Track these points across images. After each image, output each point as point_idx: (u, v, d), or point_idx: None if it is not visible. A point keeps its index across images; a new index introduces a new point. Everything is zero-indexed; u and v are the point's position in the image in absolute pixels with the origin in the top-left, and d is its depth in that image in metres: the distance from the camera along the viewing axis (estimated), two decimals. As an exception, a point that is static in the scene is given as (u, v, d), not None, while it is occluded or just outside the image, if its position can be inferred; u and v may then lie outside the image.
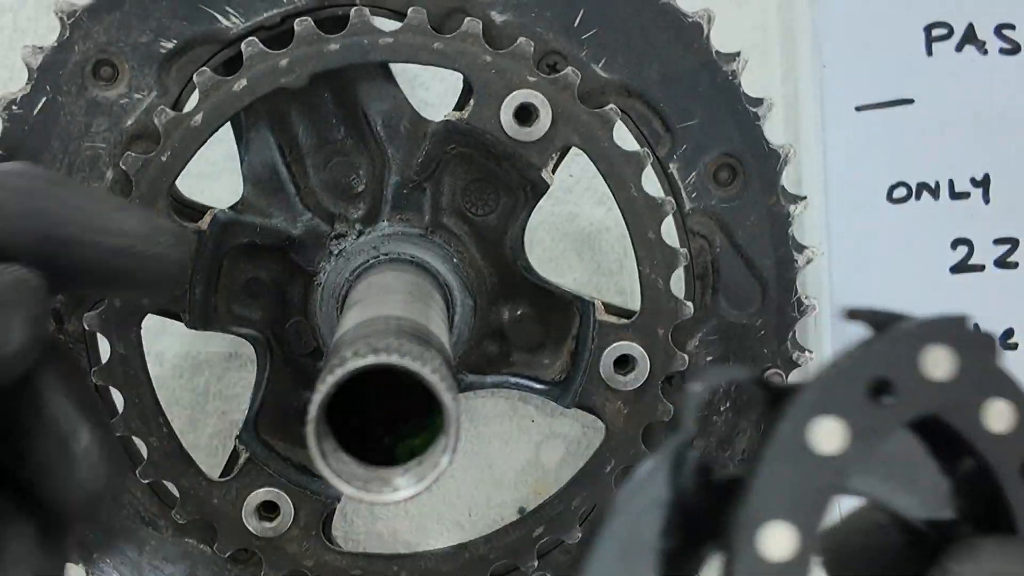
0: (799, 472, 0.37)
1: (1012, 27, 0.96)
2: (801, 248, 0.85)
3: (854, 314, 0.40)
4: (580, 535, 0.87)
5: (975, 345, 0.39)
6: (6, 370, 0.49)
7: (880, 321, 0.39)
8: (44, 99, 0.80)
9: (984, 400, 0.40)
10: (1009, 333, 0.96)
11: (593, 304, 0.84)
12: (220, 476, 0.86)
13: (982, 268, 0.97)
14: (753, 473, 0.37)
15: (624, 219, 0.82)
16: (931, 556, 0.39)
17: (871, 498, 0.43)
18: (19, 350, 0.49)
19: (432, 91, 1.00)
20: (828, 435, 0.38)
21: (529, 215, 0.84)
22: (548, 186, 0.81)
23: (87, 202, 0.57)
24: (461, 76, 0.80)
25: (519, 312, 0.87)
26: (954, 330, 0.40)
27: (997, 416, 0.40)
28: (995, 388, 0.40)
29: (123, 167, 0.80)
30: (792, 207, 0.85)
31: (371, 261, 0.83)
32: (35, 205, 0.55)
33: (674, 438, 0.40)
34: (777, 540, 0.37)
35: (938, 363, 0.39)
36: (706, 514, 0.40)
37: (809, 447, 0.37)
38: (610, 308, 0.86)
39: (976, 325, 0.40)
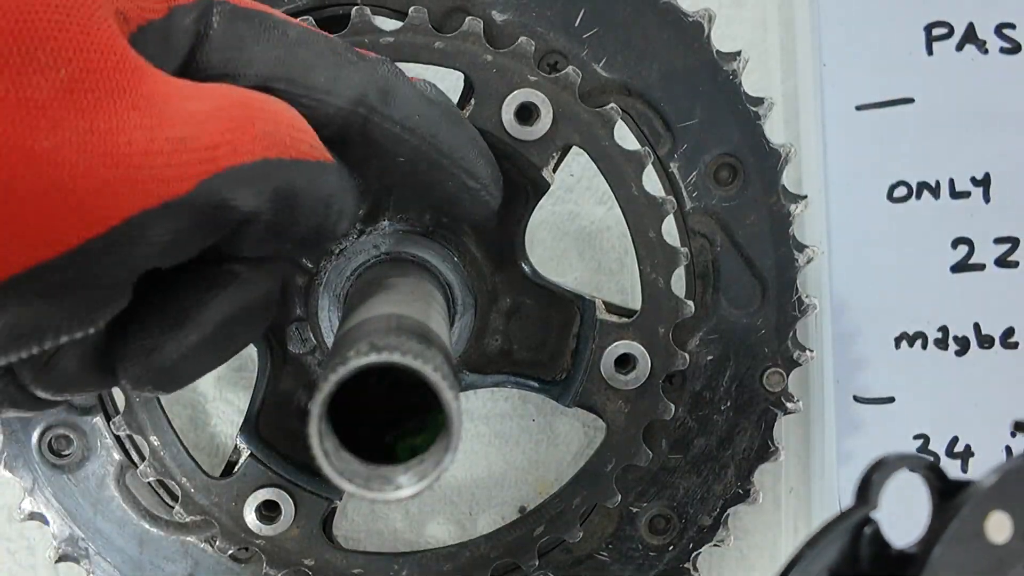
0: (970, 555, 0.42)
1: (1012, 26, 0.96)
2: (801, 247, 0.85)
3: (1021, 426, 0.44)
4: (581, 534, 0.87)
5: None
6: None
7: None
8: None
9: None
10: (1009, 332, 0.96)
11: (594, 303, 0.84)
12: (221, 475, 0.86)
13: (983, 267, 0.97)
14: (932, 551, 0.42)
15: (625, 218, 0.82)
16: None
17: None
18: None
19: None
20: (1000, 526, 0.42)
21: (530, 214, 0.84)
22: (549, 185, 0.81)
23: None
24: (461, 75, 0.80)
25: (520, 311, 0.87)
26: None
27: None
28: None
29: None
30: (792, 206, 0.85)
31: (372, 260, 0.84)
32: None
33: (857, 511, 0.45)
34: None
35: None
36: None
37: (983, 534, 0.42)
38: (611, 307, 0.86)
39: None
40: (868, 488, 0.45)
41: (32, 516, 0.89)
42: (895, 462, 0.45)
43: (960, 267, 0.97)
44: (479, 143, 0.73)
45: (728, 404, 0.87)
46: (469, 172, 0.71)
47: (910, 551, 0.45)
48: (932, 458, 0.48)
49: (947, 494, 0.46)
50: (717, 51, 0.83)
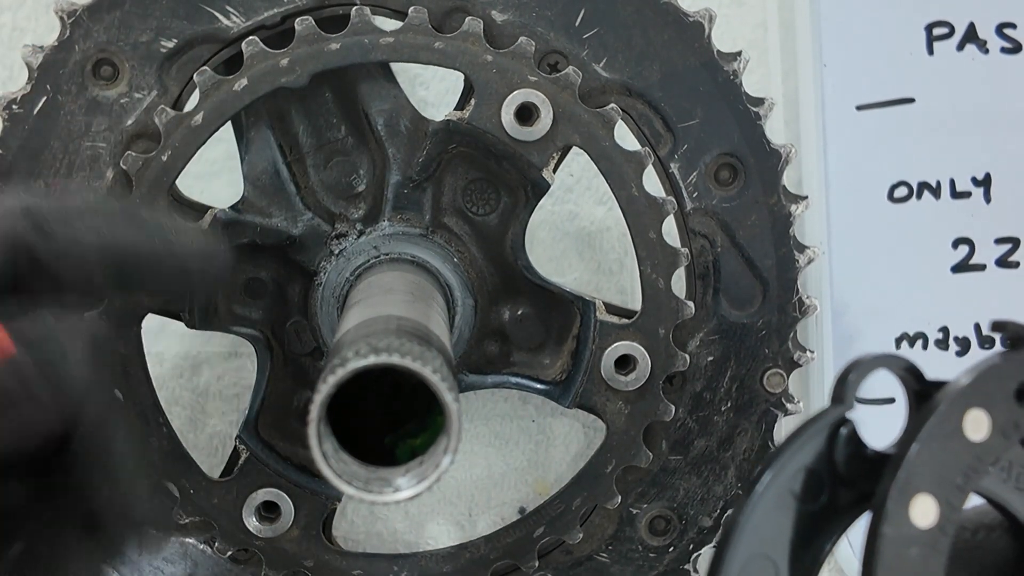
0: (948, 452, 0.42)
1: (1013, 26, 0.96)
2: (802, 248, 0.85)
3: (999, 326, 0.44)
4: (581, 535, 0.87)
5: None
6: None
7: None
8: (44, 98, 0.80)
9: None
10: (1010, 333, 0.96)
11: (594, 304, 0.83)
12: (220, 476, 0.86)
13: (983, 268, 0.97)
14: (909, 448, 0.42)
15: (625, 219, 0.82)
16: None
17: (995, 499, 0.47)
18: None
19: (432, 90, 1.00)
20: (977, 424, 0.43)
21: (530, 215, 0.84)
22: (549, 186, 0.81)
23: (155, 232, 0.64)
24: (461, 75, 0.80)
25: (520, 312, 0.87)
26: None
27: None
28: None
29: (123, 167, 0.79)
30: (793, 207, 0.85)
31: (372, 261, 0.83)
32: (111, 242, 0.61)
33: (833, 411, 0.45)
34: (922, 510, 0.42)
35: None
36: (854, 482, 0.45)
37: (960, 432, 0.42)
38: (611, 308, 0.86)
39: None
40: (844, 388, 0.45)
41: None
42: (871, 362, 0.45)
43: (961, 267, 0.97)
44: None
45: (728, 405, 0.87)
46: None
47: (887, 451, 0.45)
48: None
49: (924, 395, 0.46)
50: (718, 51, 0.83)
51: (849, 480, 0.46)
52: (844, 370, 0.45)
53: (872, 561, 0.42)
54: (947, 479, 0.42)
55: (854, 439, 0.47)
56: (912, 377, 0.47)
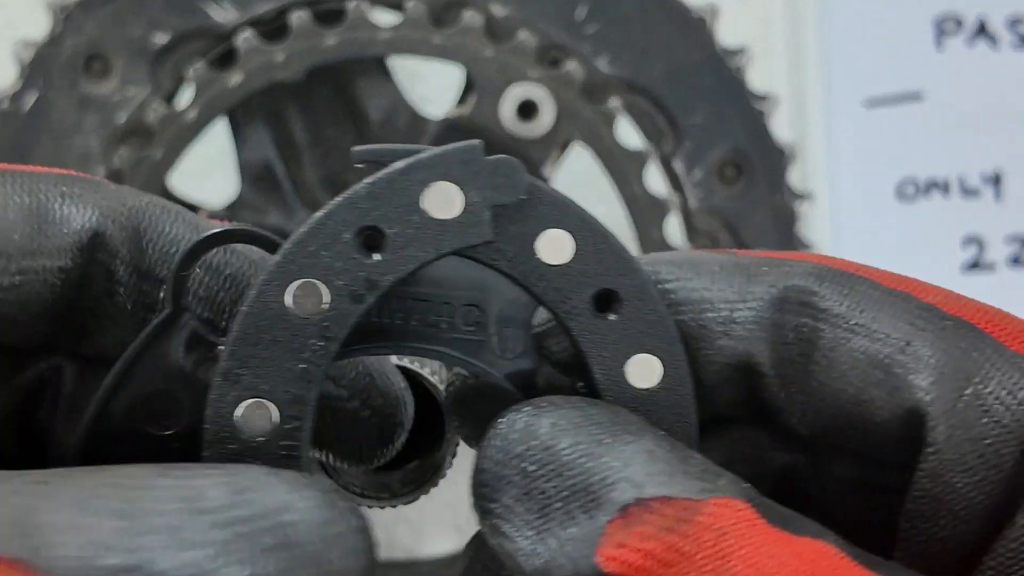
0: (279, 345, 0.35)
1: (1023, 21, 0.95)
2: (807, 246, 0.85)
3: (359, 155, 0.35)
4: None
5: (488, 177, 0.34)
6: None
7: (384, 160, 0.35)
8: (35, 94, 0.80)
9: (534, 232, 0.35)
10: (1021, 333, 0.96)
11: (596, 304, 0.82)
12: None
13: (994, 267, 0.96)
14: (228, 353, 0.35)
15: (627, 218, 0.81)
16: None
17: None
18: None
19: (431, 86, 1.00)
20: (309, 298, 0.35)
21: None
22: (548, 183, 0.81)
23: None
24: (459, 72, 0.80)
25: (520, 312, 0.86)
26: (460, 161, 0.34)
27: (551, 247, 0.35)
28: (549, 218, 0.35)
29: (115, 164, 0.79)
30: (798, 205, 0.84)
31: (369, 260, 0.82)
32: None
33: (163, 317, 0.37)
34: (254, 416, 0.35)
35: (444, 201, 0.35)
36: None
37: (288, 314, 0.35)
38: (613, 308, 0.85)
39: (483, 149, 0.34)
40: (180, 291, 0.37)
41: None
42: (201, 245, 0.37)
43: (971, 267, 0.97)
44: None
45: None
46: None
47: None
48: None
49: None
50: (722, 47, 0.82)
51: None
52: (177, 264, 0.37)
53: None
54: (283, 377, 0.35)
55: (196, 336, 0.38)
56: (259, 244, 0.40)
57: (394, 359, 0.53)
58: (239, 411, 0.35)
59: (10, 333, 0.37)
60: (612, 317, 0.36)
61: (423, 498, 0.55)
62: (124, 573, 0.29)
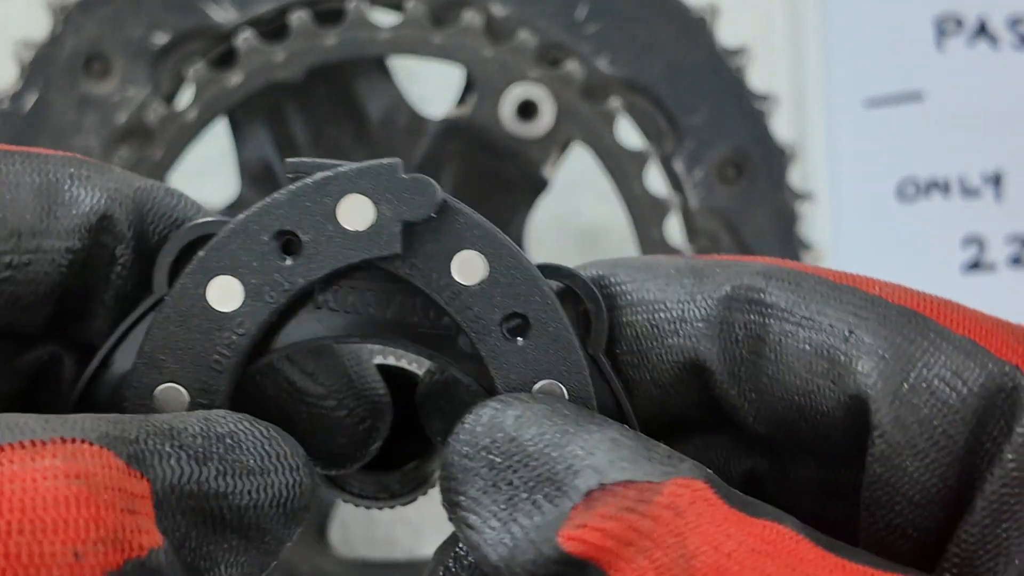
0: (194, 335, 0.37)
1: (1024, 21, 0.95)
2: (808, 247, 0.84)
3: (289, 166, 0.37)
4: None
5: (401, 193, 0.36)
6: None
7: (311, 171, 0.37)
8: (35, 95, 0.80)
9: (449, 252, 0.37)
10: (1021, 333, 0.95)
11: (596, 304, 0.82)
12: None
13: (994, 267, 0.96)
14: (148, 336, 0.37)
15: (627, 217, 0.81)
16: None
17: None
18: None
19: (430, 86, 0.99)
20: (226, 294, 0.37)
21: (529, 212, 0.83)
22: (548, 183, 0.81)
23: None
24: (460, 71, 0.80)
25: (520, 312, 0.86)
26: (376, 177, 0.36)
27: (465, 267, 0.37)
28: (464, 238, 0.37)
29: (115, 164, 0.79)
30: (799, 204, 0.84)
31: (369, 260, 0.82)
32: None
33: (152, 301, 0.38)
34: (168, 398, 0.37)
35: (356, 213, 0.36)
36: None
37: (206, 307, 0.37)
38: (614, 308, 0.84)
39: (400, 168, 0.36)
40: (171, 275, 0.38)
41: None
42: (188, 232, 0.38)
43: (971, 267, 0.97)
44: None
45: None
46: None
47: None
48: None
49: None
50: (722, 46, 0.82)
51: None
52: (163, 253, 0.38)
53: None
54: (196, 363, 0.37)
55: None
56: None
57: (391, 360, 0.53)
58: (157, 392, 0.37)
59: (16, 314, 0.37)
60: (520, 341, 0.37)
61: (423, 498, 0.55)
62: None
